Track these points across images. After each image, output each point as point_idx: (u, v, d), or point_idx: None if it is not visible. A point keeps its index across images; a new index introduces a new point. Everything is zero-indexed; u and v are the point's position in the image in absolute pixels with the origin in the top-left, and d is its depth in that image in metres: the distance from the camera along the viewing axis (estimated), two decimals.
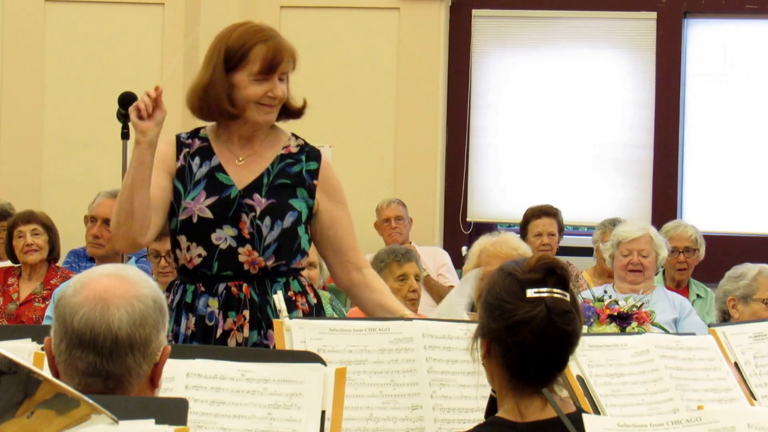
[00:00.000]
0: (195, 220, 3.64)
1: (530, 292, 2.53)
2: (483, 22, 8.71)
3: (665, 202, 8.46)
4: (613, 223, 6.85)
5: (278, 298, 3.12)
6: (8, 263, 6.21)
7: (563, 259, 6.83)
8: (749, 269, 5.05)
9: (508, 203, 8.62)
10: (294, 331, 3.09)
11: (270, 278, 3.65)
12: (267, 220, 3.62)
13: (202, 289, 3.63)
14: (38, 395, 1.63)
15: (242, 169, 3.70)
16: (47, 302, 5.85)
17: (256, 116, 3.67)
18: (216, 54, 3.76)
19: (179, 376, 2.74)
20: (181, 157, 3.74)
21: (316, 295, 3.75)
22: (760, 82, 8.43)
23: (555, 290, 2.54)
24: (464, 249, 7.28)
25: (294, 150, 3.75)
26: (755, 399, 3.40)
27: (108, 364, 2.20)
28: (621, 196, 8.53)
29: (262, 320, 3.58)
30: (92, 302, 2.21)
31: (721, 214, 8.43)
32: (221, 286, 3.62)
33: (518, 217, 7.75)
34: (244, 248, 3.61)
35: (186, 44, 8.51)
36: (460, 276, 7.48)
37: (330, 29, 8.55)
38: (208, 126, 3.82)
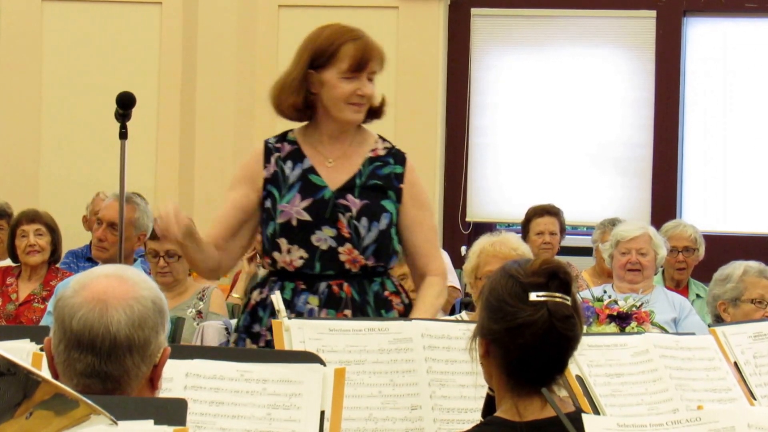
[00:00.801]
0: (294, 223, 3.69)
1: (533, 296, 2.53)
2: (482, 21, 8.71)
3: (665, 201, 8.46)
4: (613, 222, 6.85)
5: (276, 299, 3.12)
6: (8, 262, 6.19)
7: (563, 259, 6.84)
8: (734, 270, 5.00)
9: (508, 203, 8.61)
10: (293, 332, 3.09)
11: (368, 278, 3.71)
12: (364, 220, 3.69)
13: (302, 286, 3.68)
14: (37, 396, 1.63)
15: (333, 170, 3.75)
16: (46, 303, 5.83)
17: (345, 115, 3.72)
18: (303, 53, 3.79)
19: (178, 377, 2.74)
20: (272, 162, 3.77)
21: (408, 296, 3.81)
22: (759, 80, 8.43)
23: (557, 294, 2.53)
24: (464, 249, 7.27)
25: (381, 153, 3.80)
26: (755, 399, 3.40)
27: (106, 365, 2.19)
28: (620, 195, 8.52)
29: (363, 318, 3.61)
30: (91, 303, 2.20)
31: (721, 214, 8.43)
32: (322, 285, 3.67)
33: (518, 217, 7.74)
34: (344, 247, 3.67)
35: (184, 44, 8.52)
36: (459, 276, 7.48)
37: None
38: (296, 128, 3.86)
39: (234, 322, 5.15)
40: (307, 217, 3.69)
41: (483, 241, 4.58)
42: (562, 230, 7.25)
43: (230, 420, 2.72)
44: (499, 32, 8.71)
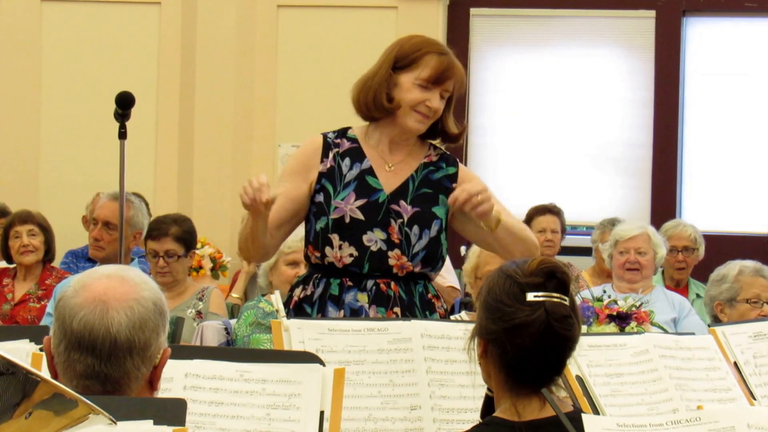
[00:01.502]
0: (347, 220, 3.70)
1: (530, 296, 2.53)
2: (481, 21, 8.71)
3: (664, 201, 8.46)
4: (612, 222, 6.85)
5: (276, 298, 3.11)
6: (3, 263, 6.20)
7: (563, 259, 6.84)
8: (729, 270, 5.00)
9: (507, 203, 8.54)
10: (293, 332, 3.08)
11: (413, 280, 3.73)
12: (415, 228, 3.72)
13: (350, 283, 3.69)
14: (36, 396, 1.63)
15: (391, 175, 3.77)
16: (42, 302, 5.84)
17: (408, 121, 3.73)
18: (389, 53, 3.81)
19: (178, 377, 2.74)
20: (330, 157, 3.79)
21: (445, 303, 3.87)
22: (759, 80, 8.43)
23: (555, 295, 2.53)
24: (463, 249, 7.26)
25: (434, 158, 3.82)
26: (755, 399, 3.40)
27: (106, 367, 2.19)
28: (620, 195, 8.53)
29: (410, 318, 3.59)
30: (92, 304, 2.20)
31: (721, 214, 8.43)
32: (370, 282, 3.69)
33: (517, 217, 7.72)
34: (393, 252, 3.69)
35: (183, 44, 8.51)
36: (458, 276, 7.48)
37: (327, 28, 8.54)
38: (355, 127, 3.88)
39: (234, 322, 5.15)
40: (360, 216, 3.71)
41: None
42: (563, 230, 7.26)
43: (229, 420, 2.72)
44: (499, 32, 8.71)
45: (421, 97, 3.72)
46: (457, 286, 7.49)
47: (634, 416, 3.02)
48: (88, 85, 8.46)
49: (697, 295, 6.63)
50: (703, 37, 8.55)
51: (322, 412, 2.72)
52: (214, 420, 2.72)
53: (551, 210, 7.25)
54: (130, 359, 2.20)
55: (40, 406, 1.63)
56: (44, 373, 1.93)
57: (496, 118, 8.68)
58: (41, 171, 8.56)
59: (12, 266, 6.12)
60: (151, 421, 2.04)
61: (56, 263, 6.36)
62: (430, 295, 3.76)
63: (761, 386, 3.43)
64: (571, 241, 7.71)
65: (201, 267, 7.42)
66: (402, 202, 3.73)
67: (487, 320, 2.57)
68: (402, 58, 3.76)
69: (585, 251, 7.47)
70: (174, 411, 2.09)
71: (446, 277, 7.63)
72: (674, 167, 8.49)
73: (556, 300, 2.53)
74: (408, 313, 3.67)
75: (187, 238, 5.59)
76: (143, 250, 5.98)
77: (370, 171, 3.76)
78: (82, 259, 6.89)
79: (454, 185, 3.77)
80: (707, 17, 8.55)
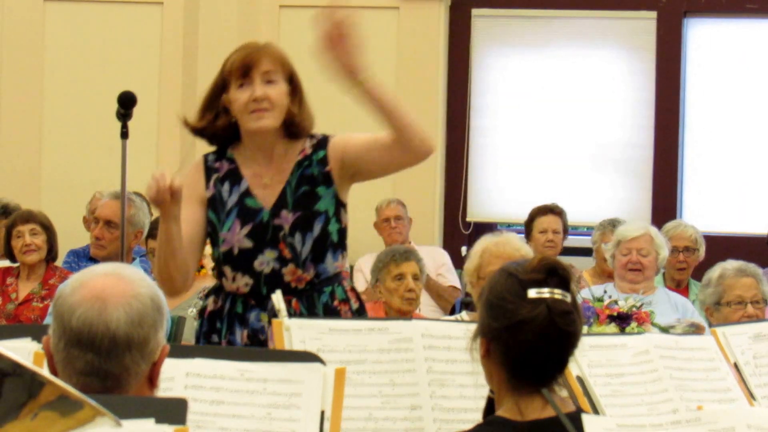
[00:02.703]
0: (236, 251, 3.65)
1: (531, 293, 2.53)
2: (483, 22, 8.71)
3: (665, 202, 8.46)
4: (612, 223, 6.85)
5: (276, 298, 3.11)
6: (7, 263, 6.21)
7: (564, 259, 6.84)
8: (713, 274, 4.97)
9: (508, 203, 8.62)
10: (293, 331, 3.09)
11: (317, 291, 3.66)
12: (297, 236, 3.63)
13: (253, 302, 3.65)
14: (42, 397, 1.63)
15: (269, 188, 3.68)
16: (45, 302, 5.85)
17: (249, 125, 3.62)
18: (218, 78, 3.74)
19: (179, 376, 2.74)
20: (211, 184, 3.71)
21: (358, 299, 3.77)
22: (760, 81, 8.43)
23: (556, 291, 2.54)
24: (464, 249, 7.27)
25: (309, 151, 3.71)
26: (755, 399, 3.40)
27: (106, 363, 2.20)
28: (621, 196, 8.53)
29: None
30: (90, 301, 2.21)
31: (721, 214, 8.43)
32: (270, 303, 3.59)
33: (518, 217, 7.74)
34: (287, 268, 3.63)
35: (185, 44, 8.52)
36: (459, 276, 7.49)
37: None
38: (233, 146, 3.77)
39: None
40: (248, 244, 3.64)
41: (486, 241, 4.56)
42: (565, 230, 7.26)
43: (230, 419, 2.73)
44: (500, 33, 8.72)
45: (245, 95, 3.59)
46: (458, 285, 7.50)
47: (635, 416, 3.03)
48: (90, 84, 8.47)
49: (697, 297, 6.64)
50: (704, 38, 8.55)
51: (322, 412, 2.72)
52: (214, 419, 2.72)
53: (553, 210, 7.25)
54: (129, 355, 2.21)
55: (46, 407, 1.63)
56: (46, 372, 1.94)
57: (497, 118, 8.68)
58: (43, 170, 8.57)
59: (16, 265, 6.13)
60: (153, 420, 2.05)
61: (58, 263, 6.36)
62: (336, 302, 3.67)
63: (761, 387, 3.43)
64: (571, 241, 7.71)
65: (203, 266, 7.42)
66: (283, 213, 3.64)
67: (489, 318, 2.57)
68: (221, 79, 3.68)
69: (585, 252, 7.47)
70: (175, 410, 2.10)
71: (447, 276, 7.64)
72: (675, 168, 8.49)
73: (557, 296, 2.53)
74: None
75: None
76: (144, 249, 5.99)
77: (248, 192, 3.67)
78: (83, 259, 6.90)
79: (327, 168, 3.67)
80: (708, 18, 8.55)
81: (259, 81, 3.62)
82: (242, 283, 3.65)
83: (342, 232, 3.70)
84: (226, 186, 3.69)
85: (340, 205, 3.70)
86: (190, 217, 3.65)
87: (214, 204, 3.69)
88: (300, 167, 3.68)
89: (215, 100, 3.69)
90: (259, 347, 3.58)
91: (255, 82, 3.62)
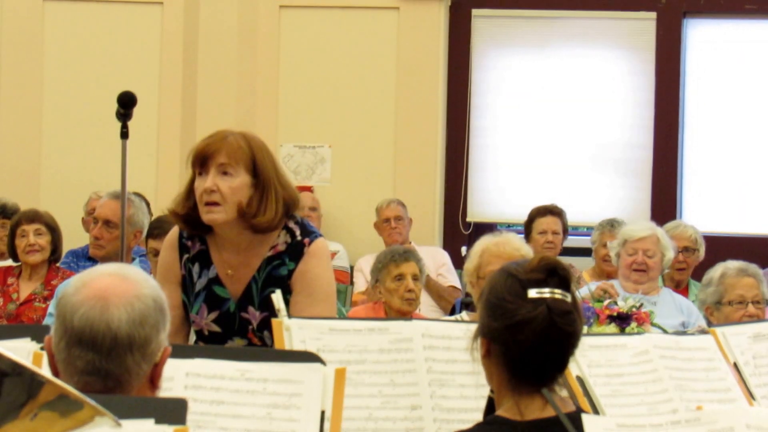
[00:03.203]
0: (206, 333, 3.65)
1: (532, 293, 2.54)
2: (482, 22, 8.71)
3: (665, 202, 8.46)
4: (611, 223, 6.85)
5: (277, 298, 3.11)
6: (9, 262, 6.20)
7: (564, 260, 6.83)
8: (714, 273, 4.98)
9: (508, 203, 8.62)
10: (293, 331, 3.09)
11: None
12: (266, 333, 3.58)
13: None
14: (42, 397, 1.63)
15: (234, 279, 3.60)
16: (47, 302, 5.84)
17: (203, 216, 3.54)
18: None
19: (179, 376, 2.74)
20: (182, 264, 3.66)
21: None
22: (759, 82, 8.43)
23: (556, 291, 2.54)
24: (464, 249, 7.28)
25: (281, 248, 3.59)
26: (754, 399, 3.40)
27: (107, 363, 2.20)
28: (620, 196, 8.53)
29: None
30: (92, 301, 2.21)
31: (721, 215, 8.43)
32: None
33: (518, 218, 7.74)
34: None
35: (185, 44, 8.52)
36: (459, 276, 7.49)
37: (329, 29, 8.55)
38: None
39: None
40: (216, 329, 3.63)
41: (486, 241, 4.56)
42: (565, 230, 7.26)
43: (230, 419, 2.73)
44: (500, 33, 8.72)
45: (200, 186, 3.51)
46: (458, 285, 7.50)
47: (634, 416, 3.03)
48: (90, 84, 8.47)
49: (697, 296, 6.64)
50: (704, 38, 8.55)
51: (322, 412, 2.72)
52: (215, 419, 2.72)
53: (552, 211, 7.25)
54: (130, 355, 2.21)
55: (46, 407, 1.63)
56: (45, 372, 1.94)
57: (497, 118, 8.68)
58: (43, 170, 8.57)
59: (17, 265, 6.11)
60: (152, 420, 2.05)
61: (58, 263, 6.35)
62: None
63: (761, 387, 3.44)
64: (571, 241, 7.71)
65: None
66: (250, 309, 3.59)
67: (489, 318, 2.58)
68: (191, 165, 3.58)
69: (585, 252, 7.47)
70: (175, 410, 2.10)
71: (447, 276, 7.65)
72: (675, 168, 8.50)
73: (557, 296, 2.54)
74: None
75: None
76: (144, 249, 5.99)
77: (217, 280, 3.62)
78: (82, 259, 6.90)
79: (289, 282, 3.55)
80: (708, 19, 8.56)
81: (213, 172, 3.52)
82: None
83: None
84: (196, 267, 3.65)
85: None
86: (171, 300, 3.66)
87: (185, 285, 3.66)
88: (269, 264, 3.59)
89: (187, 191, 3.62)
90: (258, 348, 3.58)
91: (210, 174, 3.52)
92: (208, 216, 3.52)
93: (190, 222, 3.61)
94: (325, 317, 3.42)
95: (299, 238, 3.59)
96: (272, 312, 3.46)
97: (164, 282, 3.55)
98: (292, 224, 3.61)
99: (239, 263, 3.60)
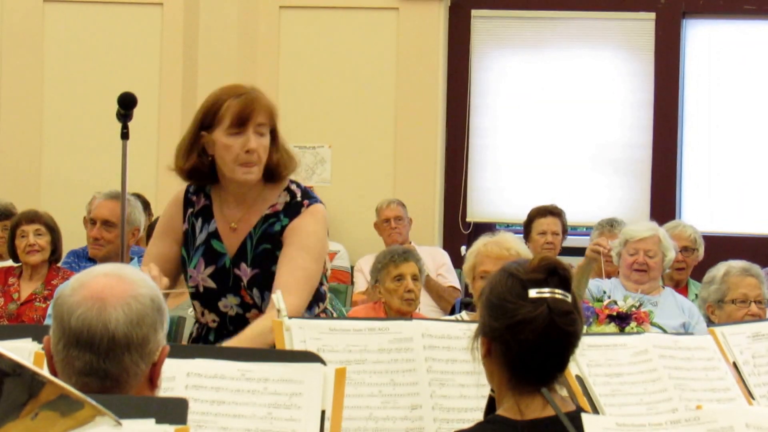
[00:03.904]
0: (201, 289, 3.66)
1: (532, 292, 2.54)
2: (482, 23, 8.72)
3: (664, 202, 8.47)
4: (611, 223, 6.85)
5: (276, 298, 3.12)
6: (9, 263, 6.21)
7: (564, 260, 6.84)
8: (717, 271, 5.00)
9: (508, 203, 8.62)
10: (294, 331, 3.09)
11: None
12: (256, 291, 3.60)
13: (225, 332, 3.64)
14: (42, 396, 1.63)
15: (233, 234, 3.64)
16: (48, 302, 5.84)
17: (236, 176, 3.57)
18: (196, 114, 3.66)
19: (179, 376, 2.75)
20: (186, 219, 3.70)
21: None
22: (758, 82, 8.44)
23: (557, 291, 2.55)
24: (463, 249, 7.28)
25: (280, 207, 3.63)
26: (753, 399, 3.41)
27: (105, 363, 2.20)
28: (620, 196, 8.53)
29: None
30: (89, 301, 2.21)
31: (720, 215, 8.44)
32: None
33: (518, 217, 7.75)
34: (251, 313, 3.62)
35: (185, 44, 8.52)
36: (459, 276, 7.49)
37: (329, 29, 8.55)
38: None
39: None
40: (211, 284, 3.64)
41: (479, 242, 4.61)
42: (564, 231, 7.26)
43: (231, 419, 2.73)
44: (499, 34, 8.72)
45: (237, 144, 3.54)
46: (458, 286, 7.51)
47: (634, 416, 3.03)
48: (90, 85, 8.47)
49: (696, 296, 6.64)
50: (703, 38, 8.56)
51: (323, 412, 2.73)
52: (215, 419, 2.73)
53: (552, 211, 7.25)
54: (128, 355, 2.21)
55: (47, 407, 1.63)
56: (46, 372, 1.95)
57: (496, 119, 8.69)
58: (43, 171, 8.57)
59: (17, 265, 6.12)
60: (153, 420, 2.05)
61: (59, 263, 6.36)
62: None
63: (760, 386, 3.44)
64: (571, 241, 7.72)
65: None
66: (243, 265, 3.60)
67: (489, 318, 2.58)
68: (206, 117, 3.59)
69: (584, 252, 7.47)
70: (175, 410, 2.10)
71: (447, 276, 7.65)
72: (674, 168, 8.50)
73: (558, 296, 2.54)
74: None
75: None
76: (143, 249, 5.99)
77: (216, 234, 3.64)
78: (83, 259, 6.90)
79: (281, 238, 3.57)
80: (707, 19, 8.56)
81: (252, 132, 3.56)
82: (210, 318, 3.68)
83: (319, 285, 3.64)
84: (199, 221, 3.68)
85: None
86: (165, 253, 3.68)
87: (186, 240, 3.69)
88: (265, 222, 3.62)
89: (198, 139, 3.62)
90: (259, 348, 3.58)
91: (249, 133, 3.55)
92: (245, 176, 3.56)
93: (195, 175, 3.66)
94: (311, 276, 3.50)
95: (299, 199, 3.64)
96: (264, 269, 3.56)
97: (161, 235, 3.63)
98: (294, 187, 3.67)
99: (239, 218, 3.64)
